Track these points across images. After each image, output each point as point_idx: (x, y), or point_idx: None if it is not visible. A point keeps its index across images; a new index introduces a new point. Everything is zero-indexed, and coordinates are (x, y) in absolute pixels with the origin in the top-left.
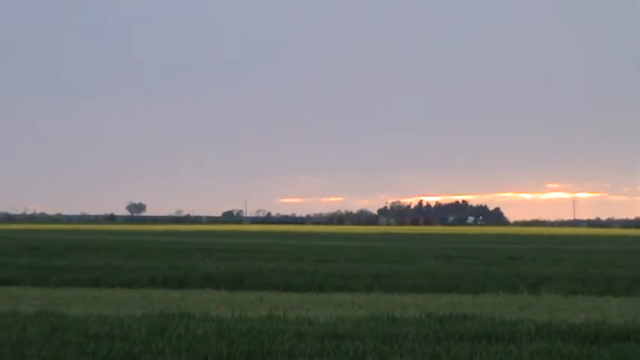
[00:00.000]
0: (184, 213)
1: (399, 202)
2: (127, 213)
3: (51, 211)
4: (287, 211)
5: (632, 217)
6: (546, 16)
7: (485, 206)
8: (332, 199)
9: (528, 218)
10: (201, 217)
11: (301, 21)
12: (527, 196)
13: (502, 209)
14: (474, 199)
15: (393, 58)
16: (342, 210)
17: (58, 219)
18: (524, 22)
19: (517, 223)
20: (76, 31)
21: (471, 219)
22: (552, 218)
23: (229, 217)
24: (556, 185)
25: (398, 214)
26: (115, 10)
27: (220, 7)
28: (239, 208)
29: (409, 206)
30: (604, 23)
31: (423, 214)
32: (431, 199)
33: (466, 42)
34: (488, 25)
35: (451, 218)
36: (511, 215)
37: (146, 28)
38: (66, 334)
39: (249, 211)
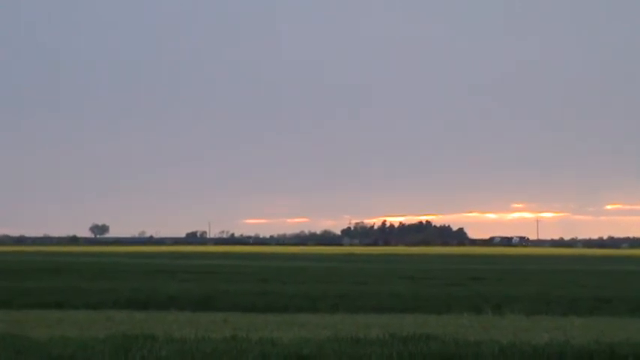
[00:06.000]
0: (148, 234)
1: (362, 222)
2: (89, 234)
3: (14, 232)
4: (251, 232)
5: (595, 237)
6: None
7: (449, 226)
8: (296, 220)
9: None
10: (164, 239)
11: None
12: (492, 216)
13: (466, 229)
14: (437, 219)
15: (356, 78)
16: (306, 231)
17: (21, 240)
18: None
19: (479, 243)
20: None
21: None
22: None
23: (193, 238)
24: (521, 205)
25: (362, 234)
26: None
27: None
28: (202, 229)
29: (372, 227)
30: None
31: (387, 234)
32: (394, 220)
33: (428, 58)
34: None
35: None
36: (474, 235)
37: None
38: (29, 357)
39: (213, 233)
